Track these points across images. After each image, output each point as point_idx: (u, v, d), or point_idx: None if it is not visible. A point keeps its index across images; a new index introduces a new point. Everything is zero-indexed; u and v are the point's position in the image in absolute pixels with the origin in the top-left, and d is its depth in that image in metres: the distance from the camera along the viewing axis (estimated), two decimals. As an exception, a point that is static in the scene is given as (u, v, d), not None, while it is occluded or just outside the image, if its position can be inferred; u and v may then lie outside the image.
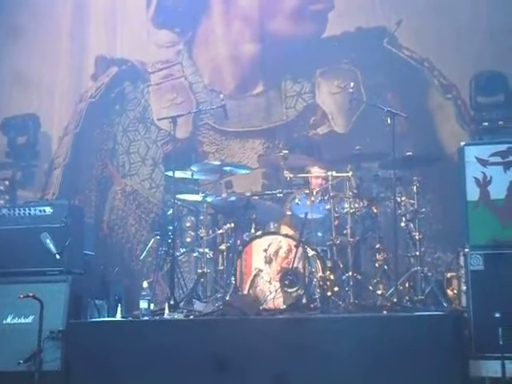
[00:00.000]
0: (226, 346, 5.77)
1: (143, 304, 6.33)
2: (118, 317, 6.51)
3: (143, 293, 6.40)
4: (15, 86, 9.25)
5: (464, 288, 5.94)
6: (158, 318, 6.36)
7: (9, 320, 6.54)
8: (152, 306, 6.54)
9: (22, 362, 6.18)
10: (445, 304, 6.23)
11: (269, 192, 7.16)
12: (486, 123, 6.95)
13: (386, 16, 8.33)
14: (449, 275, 6.57)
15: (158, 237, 7.43)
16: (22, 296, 6.18)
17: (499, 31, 7.70)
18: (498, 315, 5.44)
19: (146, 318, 6.31)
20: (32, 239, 6.72)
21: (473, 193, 5.85)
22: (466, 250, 5.84)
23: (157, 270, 7.39)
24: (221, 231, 6.91)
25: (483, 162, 5.86)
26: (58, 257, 6.60)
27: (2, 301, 6.61)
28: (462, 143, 6.08)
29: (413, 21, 8.17)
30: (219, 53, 8.96)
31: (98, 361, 5.97)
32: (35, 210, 6.90)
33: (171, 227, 6.91)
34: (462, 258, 6.04)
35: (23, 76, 9.24)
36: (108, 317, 6.83)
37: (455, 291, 6.39)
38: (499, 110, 7.12)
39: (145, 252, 7.75)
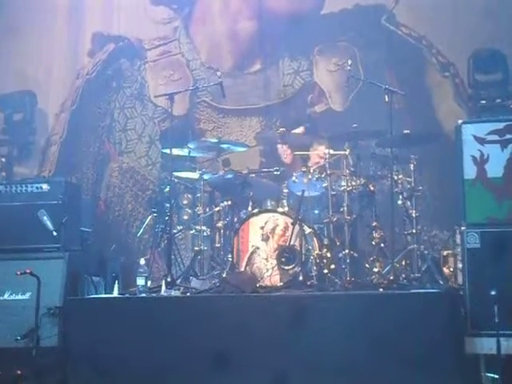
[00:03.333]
0: (222, 323, 5.79)
1: (140, 281, 6.34)
2: (115, 294, 6.52)
3: (140, 270, 6.40)
4: (10, 61, 9.20)
5: (460, 266, 5.96)
6: (154, 294, 6.38)
7: (6, 296, 6.54)
8: (149, 282, 6.56)
9: (19, 338, 6.20)
10: (441, 282, 6.25)
11: (266, 170, 7.16)
12: (484, 101, 6.94)
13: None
14: (445, 253, 6.59)
15: (155, 214, 7.43)
16: (19, 272, 6.18)
17: (497, 9, 7.67)
18: (493, 293, 5.46)
19: (142, 294, 6.33)
20: (29, 216, 6.71)
21: (470, 171, 5.85)
22: (463, 227, 5.85)
23: (154, 247, 7.40)
24: (218, 209, 6.92)
25: (480, 140, 5.86)
26: (54, 234, 6.60)
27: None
28: (460, 121, 6.08)
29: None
30: (216, 30, 8.93)
31: (95, 337, 5.98)
32: (32, 186, 6.88)
33: (168, 204, 6.91)
34: (458, 236, 6.04)
35: (19, 52, 9.20)
36: (105, 294, 6.84)
37: (451, 269, 6.41)
38: (497, 88, 7.11)
39: (141, 229, 7.76)
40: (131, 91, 9.12)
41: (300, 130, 7.65)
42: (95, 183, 8.91)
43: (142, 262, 6.44)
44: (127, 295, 6.49)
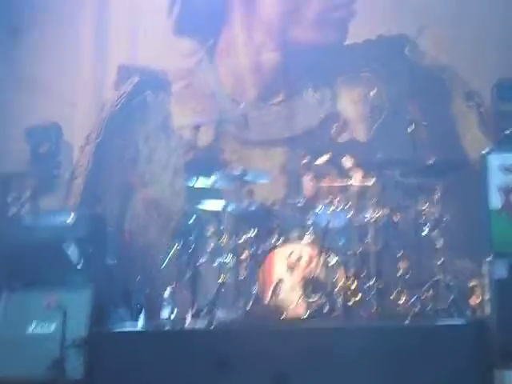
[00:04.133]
0: (246, 355, 5.77)
1: (165, 313, 6.34)
2: (140, 325, 6.51)
3: (165, 302, 6.40)
4: (36, 95, 9.29)
5: (487, 297, 5.90)
6: (179, 327, 6.36)
7: (31, 329, 6.57)
8: (173, 314, 6.55)
9: (45, 369, 6.20)
10: (468, 313, 6.19)
11: (290, 201, 7.15)
12: (509, 131, 6.89)
13: (407, 24, 8.30)
14: (472, 284, 6.53)
15: (179, 245, 7.43)
16: (46, 303, 6.21)
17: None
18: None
19: (167, 327, 6.32)
20: (54, 249, 6.75)
21: (496, 201, 5.84)
22: (490, 258, 5.80)
23: (178, 278, 7.38)
24: (242, 240, 6.90)
25: (506, 170, 5.83)
26: (79, 266, 6.63)
27: (25, 310, 6.65)
28: (485, 151, 6.06)
29: (434, 28, 8.14)
30: (241, 62, 8.98)
31: (120, 370, 5.98)
32: (57, 219, 6.93)
33: (192, 236, 6.91)
34: (485, 267, 6.00)
35: (44, 85, 9.29)
36: (130, 325, 6.83)
37: (478, 300, 6.34)
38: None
39: (166, 260, 7.74)
40: (155, 123, 9.16)
41: (324, 158, 7.61)
42: (120, 215, 8.93)
43: (167, 293, 6.44)
44: (152, 328, 6.48)
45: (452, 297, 6.31)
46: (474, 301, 6.37)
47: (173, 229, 8.41)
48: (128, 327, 6.74)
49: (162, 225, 8.78)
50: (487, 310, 5.92)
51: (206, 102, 8.94)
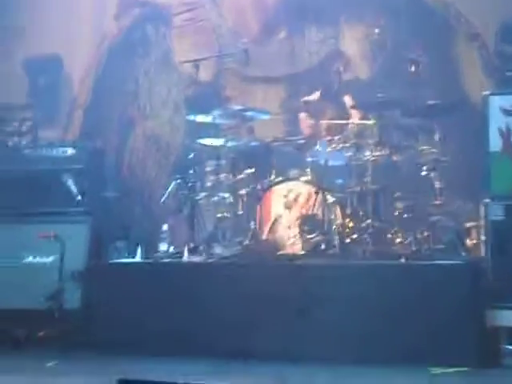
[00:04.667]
0: (243, 289, 5.85)
1: (163, 246, 6.40)
2: (138, 258, 6.58)
3: (163, 235, 6.45)
4: (36, 24, 9.19)
5: (483, 238, 5.95)
6: (177, 260, 6.43)
7: (30, 259, 6.63)
8: (172, 248, 6.61)
9: (43, 299, 6.27)
10: (463, 254, 6.24)
11: (290, 138, 7.14)
12: (511, 72, 6.85)
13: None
14: (468, 225, 6.57)
15: (179, 180, 7.45)
16: (42, 235, 6.25)
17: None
18: (515, 266, 5.46)
19: (165, 260, 6.39)
20: (54, 180, 6.77)
21: (496, 143, 5.83)
22: (487, 200, 5.83)
23: (177, 213, 7.42)
24: (241, 176, 6.92)
25: (507, 112, 5.82)
26: (79, 198, 6.65)
27: (23, 240, 6.69)
28: (486, 92, 6.03)
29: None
30: (243, -3, 8.87)
31: (118, 301, 6.06)
32: (58, 151, 6.94)
33: (191, 171, 6.93)
34: (482, 208, 6.02)
35: (44, 15, 9.19)
36: (128, 258, 6.89)
37: (474, 241, 6.40)
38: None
39: (165, 195, 7.76)
40: (156, 57, 9.09)
41: (316, 95, 7.55)
42: (119, 148, 8.91)
43: (165, 227, 6.49)
44: (150, 260, 6.55)
45: (449, 237, 6.36)
46: (470, 242, 6.43)
47: (172, 163, 8.45)
48: (126, 260, 6.81)
49: (162, 159, 8.79)
50: (483, 251, 5.96)
51: (207, 37, 8.85)
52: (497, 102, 5.87)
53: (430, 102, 6.51)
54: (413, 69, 6.29)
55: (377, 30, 6.61)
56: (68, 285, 6.35)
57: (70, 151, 6.92)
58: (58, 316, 6.21)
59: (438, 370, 5.24)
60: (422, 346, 5.41)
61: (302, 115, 7.45)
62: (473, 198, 6.77)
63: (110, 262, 6.68)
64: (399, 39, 7.96)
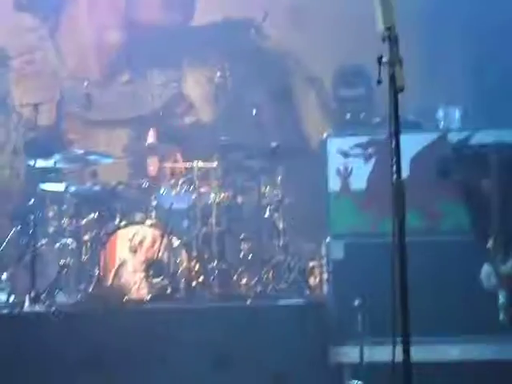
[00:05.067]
0: (90, 339, 5.69)
1: (2, 296, 6.15)
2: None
3: (1, 285, 6.21)
4: None
5: (325, 276, 6.08)
6: (17, 310, 6.19)
7: None
8: (11, 298, 6.37)
9: None
10: (307, 292, 6.36)
11: (134, 182, 7.10)
12: (348, 115, 7.11)
13: (253, 8, 8.37)
14: (311, 264, 6.71)
15: (19, 227, 7.21)
16: None
17: (359, 27, 7.88)
18: (357, 302, 5.60)
19: (4, 311, 6.14)
20: None
21: (334, 183, 6.00)
22: (328, 239, 5.98)
23: (17, 261, 7.17)
24: (85, 221, 6.79)
25: (344, 154, 6.01)
26: None
27: None
28: (325, 135, 6.22)
29: (278, 15, 8.25)
30: (84, 40, 8.77)
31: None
32: None
33: (32, 217, 6.73)
34: (323, 247, 6.17)
35: None
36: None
37: (317, 280, 6.53)
38: (361, 102, 7.29)
39: (4, 243, 7.49)
40: (-5, 100, 8.83)
41: (158, 139, 7.54)
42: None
43: (4, 276, 6.26)
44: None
45: (292, 277, 6.47)
46: (313, 281, 6.56)
47: (12, 210, 8.16)
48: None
49: (1, 206, 8.48)
50: (325, 289, 6.10)
51: (47, 80, 8.69)
52: (335, 144, 6.06)
53: (272, 145, 6.64)
54: (255, 112, 6.41)
55: (219, 73, 6.70)
56: None
57: None
58: None
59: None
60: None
61: (146, 158, 7.42)
62: (315, 237, 6.93)
63: None
64: (242, 83, 8.09)
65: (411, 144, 5.59)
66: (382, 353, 5.40)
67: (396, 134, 3.29)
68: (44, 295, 6.40)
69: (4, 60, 8.81)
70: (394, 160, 3.32)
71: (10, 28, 8.88)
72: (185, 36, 8.49)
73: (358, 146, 6.03)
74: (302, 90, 8.25)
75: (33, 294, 6.18)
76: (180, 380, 5.54)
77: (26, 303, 6.12)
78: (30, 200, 6.97)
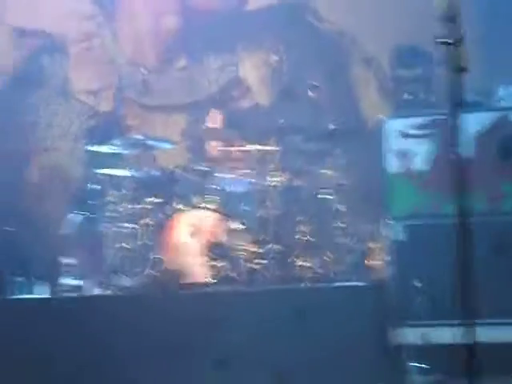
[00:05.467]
0: (149, 320, 5.76)
1: (64, 280, 6.26)
2: (39, 294, 6.43)
3: (64, 269, 6.33)
4: None
5: (386, 258, 6.05)
6: (79, 293, 6.31)
7: None
8: (73, 282, 6.49)
9: None
10: (367, 274, 6.33)
11: (192, 166, 7.14)
12: (407, 96, 7.03)
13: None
14: (371, 246, 6.68)
15: (80, 212, 7.33)
16: None
17: (415, 7, 7.79)
18: (418, 285, 5.57)
19: (67, 294, 6.26)
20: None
21: (394, 165, 5.95)
22: (388, 221, 5.94)
23: (78, 245, 7.29)
24: (144, 205, 6.86)
25: (404, 135, 5.95)
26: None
27: None
28: (384, 116, 6.17)
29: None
30: (141, 26, 8.83)
31: (17, 339, 5.87)
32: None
33: (93, 202, 6.83)
34: (384, 229, 6.13)
35: None
36: (28, 294, 6.72)
37: (377, 262, 6.50)
38: (419, 82, 7.20)
39: (66, 227, 7.62)
40: (55, 88, 8.95)
41: (216, 123, 7.57)
42: (17, 181, 8.70)
43: (66, 260, 6.36)
44: (51, 295, 6.40)
45: (351, 259, 6.45)
46: (373, 263, 6.53)
47: (73, 195, 8.30)
48: (27, 295, 6.64)
49: (63, 191, 8.62)
50: (385, 271, 6.06)
51: (105, 67, 8.78)
52: (393, 125, 6.01)
53: (330, 127, 6.62)
54: (312, 94, 6.39)
55: (275, 57, 6.69)
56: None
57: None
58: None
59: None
60: (328, 368, 5.42)
61: (204, 143, 7.46)
62: (374, 219, 6.89)
63: (9, 298, 6.50)
64: (298, 65, 8.07)
65: (472, 124, 5.50)
66: (443, 335, 5.39)
67: (457, 114, 3.24)
68: (105, 279, 6.51)
69: (63, 47, 8.93)
70: (455, 140, 3.27)
71: (68, 15, 8.98)
72: (240, 20, 8.48)
73: (416, 126, 5.96)
74: (358, 70, 8.18)
75: (95, 278, 6.28)
76: (240, 362, 5.57)
77: (89, 286, 6.22)
78: (90, 185, 7.08)
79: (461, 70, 3.16)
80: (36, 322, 5.91)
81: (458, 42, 3.17)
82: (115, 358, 5.70)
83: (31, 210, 8.64)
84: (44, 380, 5.72)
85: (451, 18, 3.21)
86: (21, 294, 6.66)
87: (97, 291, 6.20)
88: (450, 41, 3.19)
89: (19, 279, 6.76)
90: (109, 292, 6.23)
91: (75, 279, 6.58)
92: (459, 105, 3.23)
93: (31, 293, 6.68)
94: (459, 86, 3.23)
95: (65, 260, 6.37)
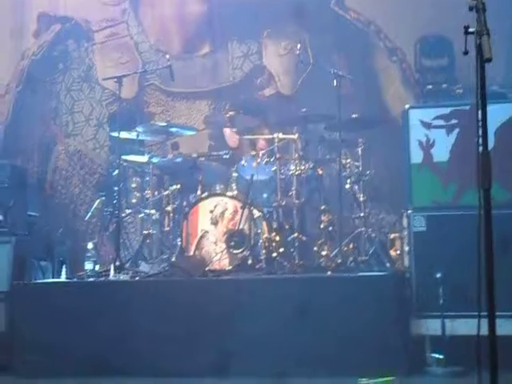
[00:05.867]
0: (170, 306, 5.81)
1: (88, 265, 6.32)
2: (63, 278, 6.48)
3: (88, 254, 6.39)
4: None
5: (407, 249, 6.05)
6: (103, 279, 6.36)
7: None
8: (97, 267, 6.54)
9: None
10: (388, 264, 6.33)
11: (215, 153, 7.16)
12: (430, 86, 7.01)
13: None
14: (392, 236, 6.68)
15: (103, 197, 7.38)
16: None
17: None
18: (438, 275, 5.58)
19: (91, 279, 6.31)
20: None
21: (416, 155, 5.95)
22: (409, 211, 5.94)
23: (102, 231, 7.35)
24: (167, 192, 6.90)
25: (427, 125, 5.95)
26: (1, 218, 6.52)
27: None
28: (407, 106, 6.16)
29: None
30: (165, 12, 8.85)
31: (42, 322, 5.95)
32: (-23, 170, 6.81)
33: (116, 188, 6.88)
34: (405, 220, 6.14)
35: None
36: (52, 278, 6.79)
37: (398, 252, 6.50)
38: (443, 73, 7.18)
39: (89, 213, 7.67)
40: (78, 73, 8.99)
41: (239, 110, 7.56)
42: (41, 166, 8.77)
43: (90, 246, 6.42)
44: (75, 279, 6.46)
45: (373, 249, 6.45)
46: (394, 253, 6.53)
47: (96, 181, 8.36)
48: (51, 280, 6.71)
49: (86, 177, 8.68)
50: (406, 261, 6.07)
51: (129, 53, 8.81)
52: (417, 116, 6.00)
53: (353, 116, 6.62)
54: (336, 83, 6.38)
55: (299, 45, 6.68)
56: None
57: (-11, 171, 6.80)
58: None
59: (365, 380, 5.30)
60: (349, 357, 5.45)
61: (227, 130, 7.47)
62: (396, 209, 6.90)
63: (35, 282, 6.57)
64: (322, 54, 8.05)
65: (496, 115, 5.47)
66: (464, 326, 5.39)
67: (482, 105, 3.24)
68: (128, 264, 6.56)
69: (88, 33, 8.97)
70: (481, 131, 3.26)
71: (93, 2, 9.02)
72: (265, 7, 8.46)
73: (440, 117, 5.96)
74: (382, 60, 8.15)
75: (117, 263, 6.33)
76: (261, 349, 5.60)
77: (111, 272, 6.27)
78: (113, 171, 7.13)
79: (485, 60, 3.14)
80: (59, 305, 5.99)
81: (483, 33, 3.15)
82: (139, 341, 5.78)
83: (56, 195, 8.71)
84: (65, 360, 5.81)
85: (477, 7, 3.20)
86: (45, 278, 6.73)
87: (121, 277, 6.23)
88: (475, 31, 3.18)
89: (44, 264, 6.83)
90: (132, 278, 6.27)
91: (98, 264, 6.62)
92: (484, 96, 3.22)
93: (55, 277, 6.74)
94: (484, 77, 3.22)
95: (89, 245, 6.41)
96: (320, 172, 6.69)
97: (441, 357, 5.53)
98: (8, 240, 6.52)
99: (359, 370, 5.39)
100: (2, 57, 9.14)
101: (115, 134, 6.91)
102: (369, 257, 6.41)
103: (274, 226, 6.50)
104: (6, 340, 6.10)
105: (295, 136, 6.64)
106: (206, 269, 6.21)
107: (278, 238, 6.39)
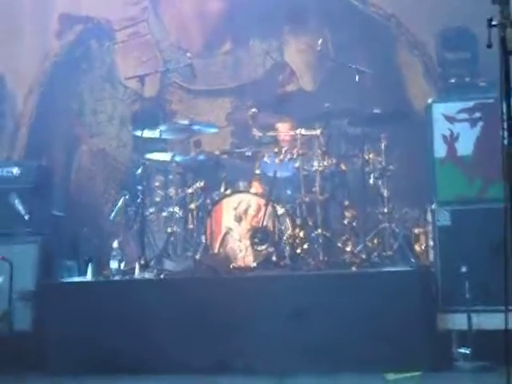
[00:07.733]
0: (196, 304, 5.83)
1: (113, 264, 6.35)
2: (89, 277, 6.52)
3: (113, 253, 6.42)
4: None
5: (431, 243, 6.03)
6: (128, 277, 6.39)
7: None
8: (122, 265, 6.57)
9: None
10: (412, 260, 6.31)
11: (238, 150, 7.17)
12: (453, 80, 6.97)
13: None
14: (416, 231, 6.65)
15: (127, 196, 7.41)
16: (-1, 257, 6.17)
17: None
18: (464, 270, 5.55)
19: (116, 277, 6.34)
20: (0, 200, 6.68)
21: (440, 149, 5.93)
22: (434, 206, 5.92)
23: (126, 229, 7.38)
24: (190, 190, 6.92)
25: (450, 119, 5.92)
26: (26, 218, 6.57)
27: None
28: (430, 100, 6.14)
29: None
30: (185, 10, 8.86)
31: (69, 321, 5.99)
32: (2, 170, 6.84)
33: (140, 186, 6.90)
34: (429, 214, 6.11)
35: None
36: (78, 277, 6.83)
37: (423, 247, 6.48)
38: (466, 66, 7.13)
39: (114, 212, 7.71)
40: (100, 73, 9.02)
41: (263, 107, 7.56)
42: (66, 166, 8.82)
43: (115, 244, 6.45)
44: (101, 278, 6.49)
45: (397, 244, 6.43)
46: (419, 248, 6.50)
47: (120, 179, 8.39)
48: (76, 279, 6.75)
49: (110, 176, 8.71)
50: (431, 256, 6.04)
51: (151, 52, 8.83)
52: (440, 110, 5.98)
53: (376, 111, 6.59)
54: (358, 78, 6.37)
55: (320, 40, 6.67)
56: (18, 306, 6.26)
57: (15, 170, 6.83)
58: (8, 338, 6.11)
59: (392, 376, 5.29)
60: (375, 353, 5.45)
61: (250, 127, 7.46)
62: (420, 204, 6.87)
63: (61, 281, 6.61)
64: (344, 49, 8.02)
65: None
66: (490, 320, 5.37)
67: (507, 98, 3.22)
68: (153, 262, 6.58)
69: (109, 33, 9.00)
70: (506, 124, 3.24)
71: (114, 1, 9.05)
72: (285, 4, 8.45)
73: (463, 110, 5.93)
74: (404, 54, 8.11)
75: (142, 262, 6.36)
76: (286, 345, 5.61)
77: (136, 270, 6.31)
78: (137, 170, 7.15)
79: (509, 53, 3.12)
80: (85, 304, 6.03)
81: (506, 25, 3.13)
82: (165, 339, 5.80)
83: (80, 194, 8.75)
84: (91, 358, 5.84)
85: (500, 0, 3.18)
86: (71, 276, 6.78)
87: (146, 275, 6.27)
88: (498, 23, 3.15)
89: (70, 263, 6.87)
90: (157, 276, 6.30)
91: (123, 263, 6.65)
92: (508, 89, 3.20)
93: (81, 275, 6.78)
94: (507, 70, 3.20)
95: (114, 244, 6.45)
96: (343, 168, 6.69)
97: (467, 351, 5.50)
98: (34, 240, 6.57)
99: (385, 366, 5.39)
100: (26, 58, 9.19)
101: (138, 133, 6.94)
102: (393, 252, 6.39)
103: (298, 222, 6.50)
104: (33, 339, 6.13)
105: (318, 132, 6.63)
106: (231, 266, 6.22)
107: (301, 235, 6.39)
